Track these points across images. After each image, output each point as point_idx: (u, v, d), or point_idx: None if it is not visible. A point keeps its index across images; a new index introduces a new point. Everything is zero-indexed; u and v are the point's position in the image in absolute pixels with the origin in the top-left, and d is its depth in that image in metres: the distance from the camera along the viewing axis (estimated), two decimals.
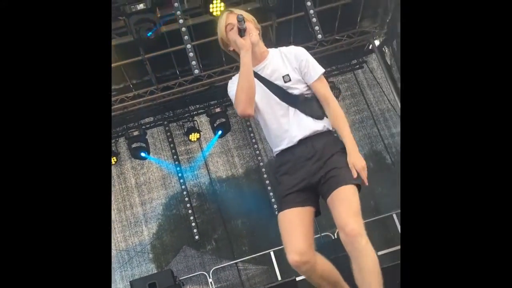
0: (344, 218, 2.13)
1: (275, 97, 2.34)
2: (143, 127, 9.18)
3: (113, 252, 8.89)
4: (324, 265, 2.31)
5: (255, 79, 2.32)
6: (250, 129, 9.42)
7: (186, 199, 8.99)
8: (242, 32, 2.31)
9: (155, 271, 8.67)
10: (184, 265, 8.95)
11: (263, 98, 2.35)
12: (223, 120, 9.03)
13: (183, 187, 9.07)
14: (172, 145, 9.30)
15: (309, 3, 6.96)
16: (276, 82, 2.35)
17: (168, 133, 9.38)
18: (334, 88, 9.64)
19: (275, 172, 2.43)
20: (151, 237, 9.47)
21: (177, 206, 9.68)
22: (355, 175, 2.21)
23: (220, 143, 9.68)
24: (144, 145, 8.85)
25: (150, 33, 6.57)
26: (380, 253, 6.80)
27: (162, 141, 9.50)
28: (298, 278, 6.29)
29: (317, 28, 6.96)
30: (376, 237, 7.45)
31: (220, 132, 9.16)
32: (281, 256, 8.21)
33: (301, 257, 2.21)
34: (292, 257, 2.23)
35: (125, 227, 9.07)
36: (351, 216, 2.13)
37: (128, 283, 6.88)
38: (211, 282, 7.86)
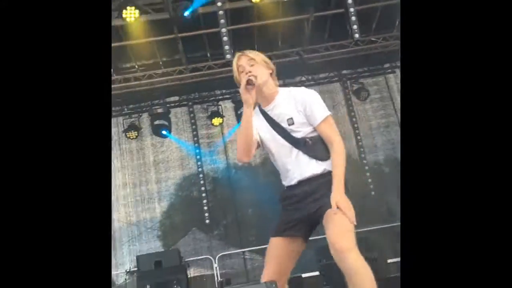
0: (334, 237, 2.21)
1: (280, 137, 2.44)
2: (168, 105, 9.19)
3: (123, 226, 8.98)
4: None
5: (264, 119, 2.50)
6: None
7: (202, 182, 9.01)
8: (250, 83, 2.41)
9: (162, 250, 8.74)
10: (192, 247, 9.00)
11: (271, 137, 2.48)
12: None
13: (199, 169, 9.08)
14: (194, 126, 9.30)
15: (350, 1, 6.84)
16: (281, 124, 2.45)
17: (192, 115, 9.38)
18: (363, 89, 9.52)
19: (281, 202, 2.57)
20: (162, 215, 9.54)
21: (191, 188, 9.71)
22: (334, 212, 2.25)
23: None
24: (166, 123, 8.87)
25: (187, 12, 6.53)
26: (389, 261, 6.72)
27: (185, 122, 9.51)
28: (304, 275, 6.27)
29: (355, 27, 6.85)
30: (387, 245, 7.37)
31: None
32: None
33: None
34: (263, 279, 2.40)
35: (138, 202, 9.14)
36: (341, 234, 2.20)
37: (135, 257, 6.92)
38: (216, 268, 7.88)
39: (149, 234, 9.10)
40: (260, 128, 2.51)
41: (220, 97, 9.55)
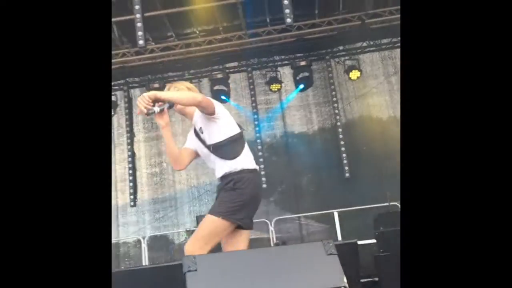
0: (191, 237, 2.83)
1: (201, 144, 2.93)
2: (227, 71, 9.27)
3: (185, 188, 9.32)
4: None
5: (193, 132, 3.00)
6: (332, 87, 9.22)
7: (259, 147, 9.11)
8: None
9: None
10: None
11: (198, 145, 2.97)
12: (307, 74, 8.90)
13: (257, 135, 9.17)
14: (252, 92, 9.35)
15: None
16: (200, 134, 2.93)
17: (250, 80, 9.42)
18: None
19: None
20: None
21: None
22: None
23: (300, 97, 9.60)
24: (225, 88, 8.97)
25: None
26: None
27: (243, 87, 9.57)
28: (360, 242, 6.28)
29: None
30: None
31: (302, 86, 9.07)
32: (344, 217, 8.22)
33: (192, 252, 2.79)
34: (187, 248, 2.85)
35: (198, 165, 9.38)
36: (194, 238, 2.78)
37: (195, 217, 7.20)
38: (272, 231, 8.05)
39: (208, 196, 9.39)
40: (191, 139, 3.02)
41: (278, 63, 9.50)
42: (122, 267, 8.40)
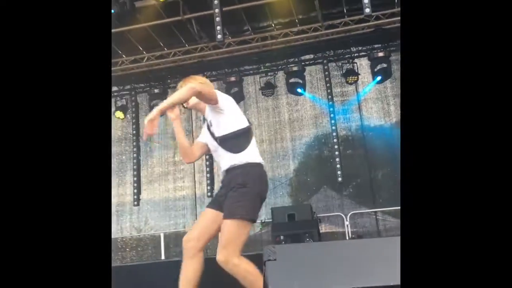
0: (218, 247, 2.77)
1: (210, 137, 2.99)
2: (303, 63, 9.25)
3: None
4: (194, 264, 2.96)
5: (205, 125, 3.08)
6: None
7: (335, 140, 9.02)
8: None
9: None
10: (323, 204, 9.16)
11: (208, 138, 3.02)
12: (385, 65, 8.66)
13: (333, 127, 9.08)
14: (328, 84, 9.25)
15: None
16: (210, 127, 2.99)
17: (326, 73, 9.32)
18: None
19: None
20: (295, 172, 9.80)
21: (323, 146, 9.79)
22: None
23: (377, 89, 9.37)
24: (301, 81, 8.96)
25: None
26: None
27: (319, 79, 9.50)
28: None
29: None
30: None
31: (379, 77, 8.84)
32: None
33: (187, 241, 2.96)
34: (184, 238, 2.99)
35: (273, 158, 9.50)
36: (221, 247, 2.75)
37: (270, 209, 7.27)
38: (347, 225, 7.96)
39: (283, 189, 9.46)
40: (204, 133, 3.09)
41: (355, 55, 9.33)
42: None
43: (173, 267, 5.71)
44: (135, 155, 9.26)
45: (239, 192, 2.77)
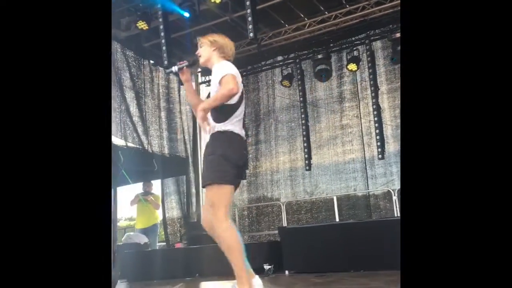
0: (203, 211, 3.16)
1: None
2: None
3: None
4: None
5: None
6: None
7: None
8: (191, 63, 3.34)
9: None
10: None
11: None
12: None
13: None
14: None
15: None
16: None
17: None
18: None
19: None
20: None
21: None
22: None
23: None
24: None
25: None
26: None
27: None
28: None
29: None
30: None
31: None
32: None
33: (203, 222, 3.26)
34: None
35: None
36: (205, 213, 3.15)
37: None
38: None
39: None
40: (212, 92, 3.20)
41: None
42: (373, 218, 8.66)
43: (348, 229, 5.82)
44: (303, 121, 9.49)
45: (207, 161, 3.06)
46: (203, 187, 3.07)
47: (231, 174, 3.00)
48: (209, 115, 3.05)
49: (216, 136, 3.09)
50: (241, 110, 3.15)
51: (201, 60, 3.28)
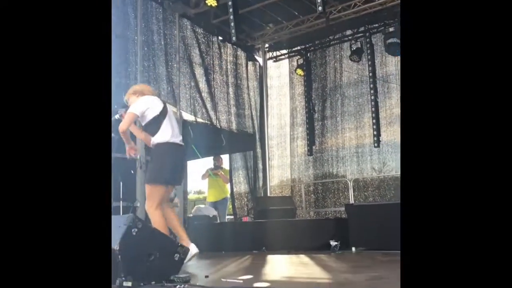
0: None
1: None
2: None
3: None
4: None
5: None
6: None
7: None
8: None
9: None
10: None
11: None
12: None
13: None
14: None
15: None
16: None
17: None
18: None
19: None
20: None
21: None
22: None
23: None
24: None
25: None
26: None
27: None
28: None
29: None
30: None
31: None
32: None
33: None
34: None
35: None
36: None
37: None
38: None
39: None
40: None
41: None
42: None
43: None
44: (372, 97, 9.27)
45: (150, 164, 4.31)
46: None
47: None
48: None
49: (153, 151, 4.25)
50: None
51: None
